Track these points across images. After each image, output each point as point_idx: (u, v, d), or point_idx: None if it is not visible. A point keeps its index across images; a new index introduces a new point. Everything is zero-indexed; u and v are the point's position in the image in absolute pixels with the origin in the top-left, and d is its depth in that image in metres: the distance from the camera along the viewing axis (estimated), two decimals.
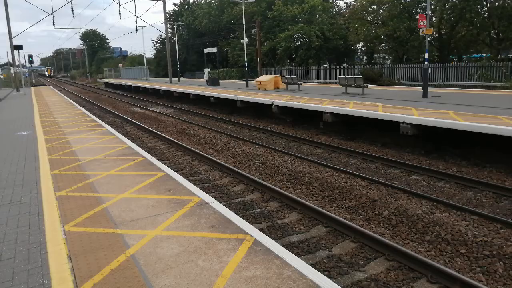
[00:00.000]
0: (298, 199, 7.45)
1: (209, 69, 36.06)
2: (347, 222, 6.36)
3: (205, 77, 32.35)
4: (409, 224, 6.46)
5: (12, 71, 36.47)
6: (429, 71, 22.21)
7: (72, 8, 33.02)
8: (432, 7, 28.73)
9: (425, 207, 7.06)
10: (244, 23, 29.34)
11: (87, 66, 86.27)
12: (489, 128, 8.96)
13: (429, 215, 6.68)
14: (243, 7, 29.47)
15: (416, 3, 31.79)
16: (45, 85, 54.68)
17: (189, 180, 7.47)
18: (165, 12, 37.77)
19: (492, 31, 29.05)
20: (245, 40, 29.39)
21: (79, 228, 4.57)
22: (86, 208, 5.23)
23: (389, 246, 5.51)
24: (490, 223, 6.37)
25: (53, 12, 33.52)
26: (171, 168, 8.10)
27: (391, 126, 11.24)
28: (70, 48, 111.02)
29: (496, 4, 27.76)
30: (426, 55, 15.86)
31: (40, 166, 7.63)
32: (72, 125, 13.21)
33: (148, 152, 9.76)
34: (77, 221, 4.78)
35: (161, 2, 36.99)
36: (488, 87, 22.30)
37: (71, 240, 4.27)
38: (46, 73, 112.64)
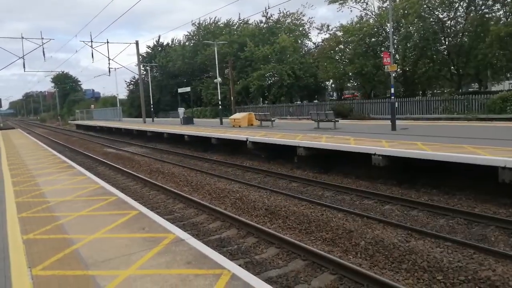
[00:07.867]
0: (275, 233, 7.39)
1: (184, 109, 36.16)
2: (325, 254, 6.34)
3: (181, 116, 32.36)
4: (386, 253, 6.50)
5: None
6: (396, 105, 23.07)
7: (43, 51, 32.71)
8: (395, 46, 30.38)
9: (400, 236, 7.14)
10: (217, 63, 29.99)
11: (58, 108, 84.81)
12: (455, 157, 9.31)
13: (404, 244, 6.75)
14: (215, 48, 30.24)
15: (380, 42, 33.55)
16: (14, 128, 53.28)
17: (164, 219, 7.31)
18: (138, 54, 38.19)
19: (452, 67, 30.84)
20: (218, 79, 29.90)
21: (48, 272, 4.36)
22: (55, 250, 5.01)
23: (368, 276, 5.51)
24: (464, 249, 6.49)
25: (23, 56, 33.27)
26: (145, 207, 7.92)
27: (363, 158, 11.49)
28: (41, 91, 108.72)
29: (453, 42, 29.68)
30: (392, 90, 16.58)
31: (7, 210, 7.31)
32: (41, 167, 12.82)
33: (121, 192, 9.53)
34: (45, 264, 4.56)
35: (135, 45, 37.49)
36: (452, 119, 23.36)
37: (38, 284, 4.06)
38: None
